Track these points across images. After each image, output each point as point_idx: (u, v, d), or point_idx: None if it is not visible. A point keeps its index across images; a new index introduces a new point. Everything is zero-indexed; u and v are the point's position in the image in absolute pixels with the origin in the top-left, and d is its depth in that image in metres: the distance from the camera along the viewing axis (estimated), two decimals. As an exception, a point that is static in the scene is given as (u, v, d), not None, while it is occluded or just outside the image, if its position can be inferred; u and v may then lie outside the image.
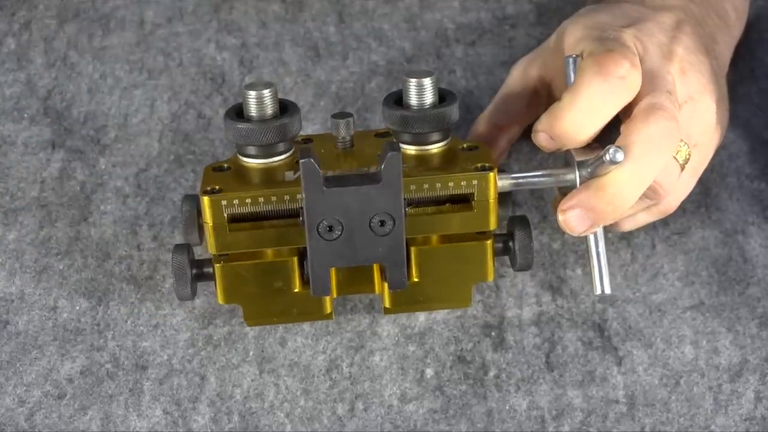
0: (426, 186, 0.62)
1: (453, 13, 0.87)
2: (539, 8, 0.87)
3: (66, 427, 0.63)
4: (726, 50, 0.73)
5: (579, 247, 0.72)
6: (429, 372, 0.66)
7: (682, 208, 0.73)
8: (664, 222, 0.72)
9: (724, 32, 0.72)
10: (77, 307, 0.69)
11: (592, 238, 0.63)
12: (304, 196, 0.59)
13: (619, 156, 0.59)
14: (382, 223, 0.61)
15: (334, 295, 0.66)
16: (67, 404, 0.64)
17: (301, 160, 0.58)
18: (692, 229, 0.72)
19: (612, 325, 0.68)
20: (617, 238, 0.72)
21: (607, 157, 0.59)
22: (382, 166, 0.59)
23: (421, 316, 0.68)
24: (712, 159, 0.69)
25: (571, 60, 0.64)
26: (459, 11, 0.87)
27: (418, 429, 0.63)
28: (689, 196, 0.72)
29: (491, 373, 0.66)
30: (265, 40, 0.85)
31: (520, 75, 0.72)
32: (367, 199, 0.60)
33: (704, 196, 0.74)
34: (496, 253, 0.66)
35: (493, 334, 0.67)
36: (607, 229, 0.69)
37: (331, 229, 0.61)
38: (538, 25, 0.85)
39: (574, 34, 0.65)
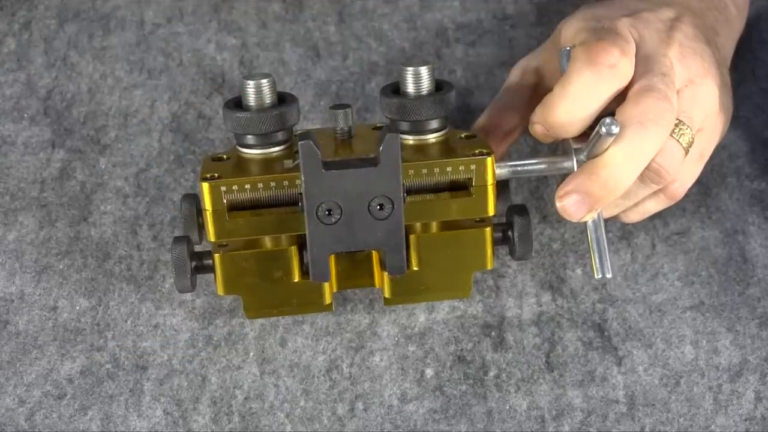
0: (424, 171, 0.62)
1: (453, 13, 0.87)
2: (539, 8, 0.87)
3: (66, 427, 0.63)
4: (727, 43, 0.73)
5: (579, 247, 0.72)
6: (429, 372, 0.66)
7: (682, 208, 0.73)
8: (664, 222, 0.73)
9: (725, 26, 0.72)
10: (77, 307, 0.69)
11: (591, 223, 0.63)
12: (303, 178, 0.60)
13: (615, 128, 0.59)
14: (381, 206, 0.61)
15: (334, 289, 0.66)
16: (67, 404, 0.64)
17: (300, 142, 0.59)
18: (692, 229, 0.72)
19: (612, 325, 0.68)
20: (617, 238, 0.72)
21: (603, 129, 0.59)
22: (381, 148, 0.59)
23: (421, 317, 0.68)
24: (713, 159, 0.69)
25: (564, 52, 0.65)
26: (459, 11, 0.87)
27: (418, 429, 0.63)
28: (689, 196, 0.72)
29: (491, 373, 0.66)
30: (265, 40, 0.85)
31: (519, 75, 0.72)
32: (366, 182, 0.60)
33: (704, 196, 0.74)
34: (496, 242, 0.66)
35: (493, 334, 0.67)
36: (614, 220, 0.70)
37: (330, 212, 0.61)
38: (538, 25, 0.86)
39: (571, 27, 0.66)
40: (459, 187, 0.64)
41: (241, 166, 0.63)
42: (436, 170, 0.62)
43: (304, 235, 0.62)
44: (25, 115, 0.80)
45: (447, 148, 0.64)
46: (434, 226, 0.65)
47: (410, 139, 0.65)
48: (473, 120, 0.74)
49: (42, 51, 0.85)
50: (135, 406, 0.64)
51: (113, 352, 0.67)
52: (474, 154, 0.63)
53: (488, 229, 0.65)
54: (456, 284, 0.66)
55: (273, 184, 0.62)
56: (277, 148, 0.64)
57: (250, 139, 0.64)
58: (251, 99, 0.64)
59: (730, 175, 0.75)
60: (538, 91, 0.72)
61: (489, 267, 0.66)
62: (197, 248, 0.67)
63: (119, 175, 0.76)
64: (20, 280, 0.70)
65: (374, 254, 0.65)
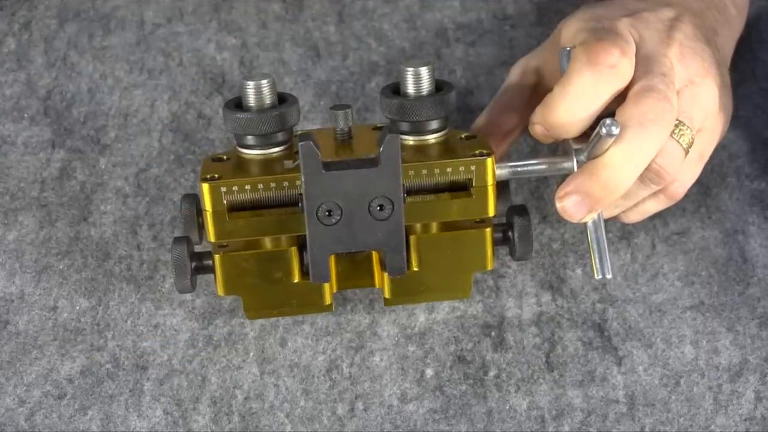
0: (425, 172, 0.62)
1: (453, 13, 0.87)
2: (539, 8, 0.87)
3: (66, 427, 0.64)
4: (727, 43, 0.73)
5: (579, 247, 0.72)
6: (429, 372, 0.66)
7: (682, 208, 0.73)
8: (664, 222, 0.73)
9: (725, 26, 0.72)
10: (77, 307, 0.69)
11: (591, 223, 0.63)
12: (303, 179, 0.60)
13: (615, 129, 0.59)
14: (381, 207, 0.61)
15: (334, 289, 0.66)
16: (67, 404, 0.64)
17: (300, 143, 0.59)
18: (692, 229, 0.72)
19: (612, 325, 0.68)
20: (617, 238, 0.72)
21: (604, 130, 0.59)
22: (381, 149, 0.59)
23: (421, 317, 0.68)
24: (713, 159, 0.69)
25: (564, 52, 0.65)
26: (459, 11, 0.87)
27: (418, 429, 0.63)
28: (689, 196, 0.72)
29: (491, 373, 0.66)
30: (265, 40, 0.85)
31: (519, 74, 0.72)
32: (366, 182, 0.60)
33: (704, 196, 0.74)
34: (496, 243, 0.66)
35: (493, 334, 0.67)
36: (614, 220, 0.70)
37: (330, 213, 0.61)
38: (538, 25, 0.86)
39: (571, 27, 0.66)
40: (459, 188, 0.64)
41: (241, 167, 0.63)
42: (436, 171, 0.63)
43: (304, 235, 0.62)
44: (25, 115, 0.80)
45: (447, 149, 0.64)
46: (434, 227, 0.65)
47: (410, 140, 0.65)
48: (473, 120, 0.74)
49: (42, 51, 0.85)
50: (135, 406, 0.64)
51: (113, 352, 0.67)
52: (474, 155, 0.63)
53: (488, 230, 0.65)
54: (456, 285, 0.66)
55: (273, 184, 0.62)
56: (277, 149, 0.64)
57: (250, 139, 0.64)
58: (251, 99, 0.64)
59: (730, 175, 0.75)
60: (537, 91, 0.72)
61: (489, 267, 0.66)
62: (197, 248, 0.67)
63: (119, 175, 0.76)
64: (20, 280, 0.70)
65: (374, 255, 0.66)
